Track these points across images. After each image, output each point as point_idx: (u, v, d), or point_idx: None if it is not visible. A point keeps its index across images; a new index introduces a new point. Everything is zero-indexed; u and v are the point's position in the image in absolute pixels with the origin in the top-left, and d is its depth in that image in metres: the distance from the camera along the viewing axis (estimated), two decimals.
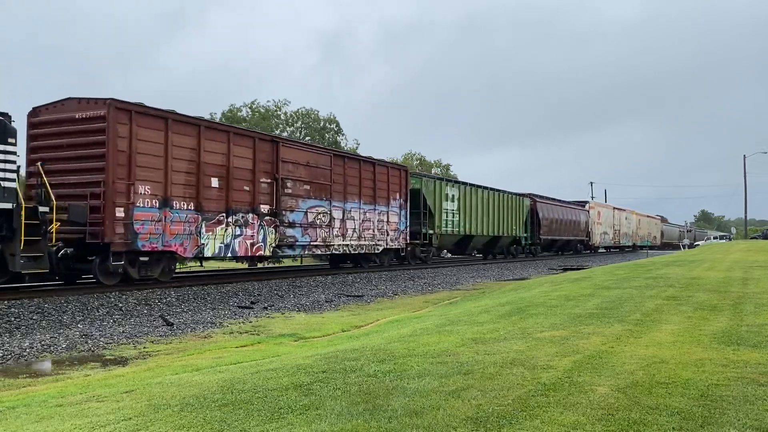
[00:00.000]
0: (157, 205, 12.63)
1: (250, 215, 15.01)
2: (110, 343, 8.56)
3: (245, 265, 19.72)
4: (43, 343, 8.33)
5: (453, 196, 25.87)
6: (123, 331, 9.38)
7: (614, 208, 52.37)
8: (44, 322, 9.65)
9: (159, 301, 11.87)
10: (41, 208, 10.31)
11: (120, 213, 11.83)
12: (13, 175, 10.05)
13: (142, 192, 12.31)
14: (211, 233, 13.88)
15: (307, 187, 17.04)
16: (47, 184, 10.98)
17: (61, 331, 9.22)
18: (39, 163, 11.52)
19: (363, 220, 19.69)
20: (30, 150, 12.96)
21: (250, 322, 10.68)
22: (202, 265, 17.79)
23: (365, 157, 20.91)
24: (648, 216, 66.57)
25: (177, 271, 15.41)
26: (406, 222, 22.31)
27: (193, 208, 13.43)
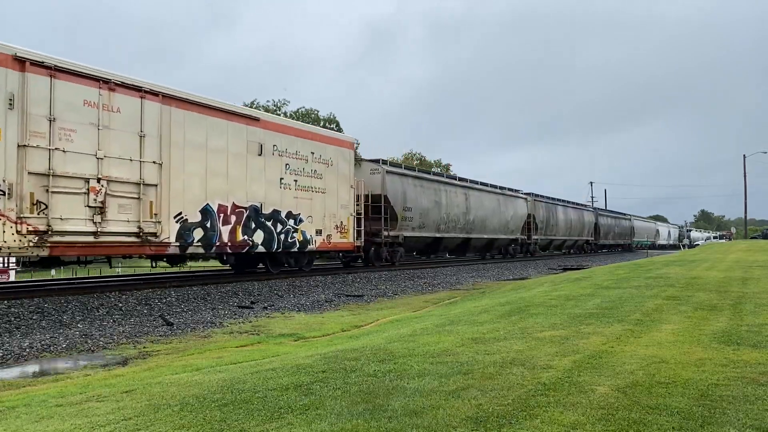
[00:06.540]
0: None
1: None
2: (110, 343, 8.56)
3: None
4: (43, 342, 8.33)
5: None
6: (123, 331, 9.38)
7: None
8: (44, 322, 9.65)
9: (159, 301, 11.87)
10: None
11: None
12: None
13: None
14: None
15: None
16: None
17: (61, 330, 9.22)
18: None
19: None
20: None
21: (250, 321, 10.68)
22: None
23: None
24: None
25: (178, 270, 15.50)
26: None
27: None
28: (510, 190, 33.75)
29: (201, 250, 13.70)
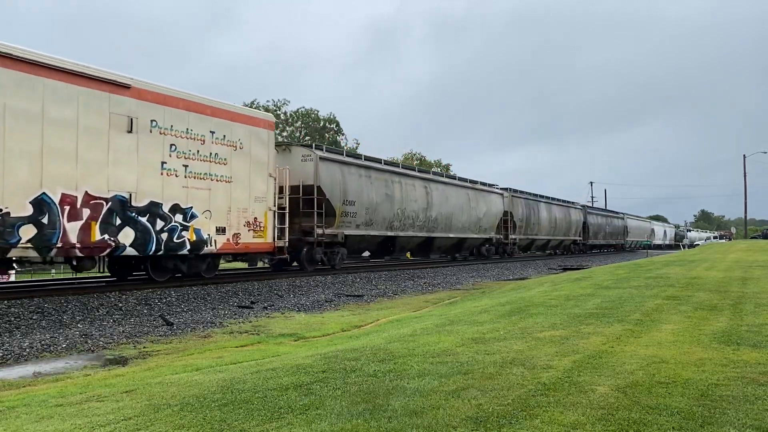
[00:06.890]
0: None
1: None
2: (110, 343, 8.56)
3: (245, 265, 19.69)
4: (43, 342, 8.33)
5: None
6: (123, 331, 9.38)
7: None
8: (44, 321, 9.65)
9: (159, 301, 11.87)
10: None
11: None
12: None
13: None
14: None
15: None
16: None
17: (61, 330, 9.22)
18: None
19: None
20: None
21: (250, 321, 10.68)
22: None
23: None
24: None
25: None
26: None
27: None
28: (483, 184, 29.93)
29: (33, 254, 10.27)
